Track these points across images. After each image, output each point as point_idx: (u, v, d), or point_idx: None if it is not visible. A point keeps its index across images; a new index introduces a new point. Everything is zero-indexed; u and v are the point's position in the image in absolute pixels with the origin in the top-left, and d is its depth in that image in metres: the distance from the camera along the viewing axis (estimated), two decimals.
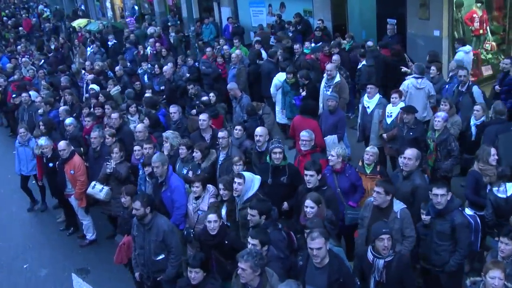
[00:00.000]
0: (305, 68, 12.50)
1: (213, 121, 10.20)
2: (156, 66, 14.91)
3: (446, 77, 11.64)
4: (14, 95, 14.35)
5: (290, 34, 17.37)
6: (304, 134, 8.36)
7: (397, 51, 13.27)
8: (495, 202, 6.96)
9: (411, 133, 8.97)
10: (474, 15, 14.50)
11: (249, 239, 5.85)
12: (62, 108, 12.00)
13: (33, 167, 11.11)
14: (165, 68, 14.01)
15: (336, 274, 5.44)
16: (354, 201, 7.63)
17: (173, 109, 10.59)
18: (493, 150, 7.52)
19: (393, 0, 15.06)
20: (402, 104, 9.81)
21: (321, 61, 13.75)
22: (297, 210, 7.28)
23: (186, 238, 7.52)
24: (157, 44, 17.52)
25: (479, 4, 14.46)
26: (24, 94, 13.20)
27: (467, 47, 12.56)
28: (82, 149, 10.47)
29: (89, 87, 13.94)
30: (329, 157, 7.71)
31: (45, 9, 34.39)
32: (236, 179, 7.07)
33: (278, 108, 12.51)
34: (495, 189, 7.02)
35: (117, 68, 15.36)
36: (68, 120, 10.95)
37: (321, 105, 11.53)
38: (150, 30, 21.49)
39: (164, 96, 13.57)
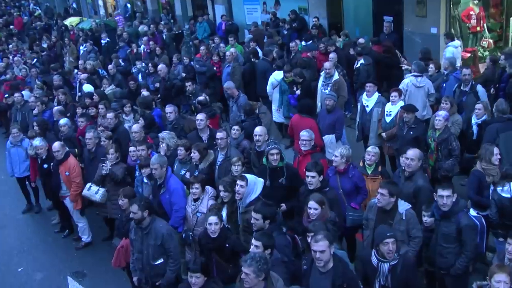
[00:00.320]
0: (301, 67, 12.39)
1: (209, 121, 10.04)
2: (150, 64, 14.74)
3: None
4: (6, 95, 14.12)
5: (285, 32, 17.26)
6: (304, 134, 8.21)
7: (389, 47, 13.25)
8: (499, 202, 6.84)
9: (411, 133, 8.86)
10: (471, 12, 14.41)
11: (253, 241, 5.73)
12: (56, 108, 11.81)
13: (26, 168, 10.92)
14: (160, 66, 13.86)
15: (340, 279, 5.32)
16: (357, 203, 7.51)
17: (169, 109, 10.41)
18: (496, 150, 7.41)
19: None
20: (401, 103, 9.71)
21: (317, 59, 13.64)
22: (299, 211, 7.16)
23: (185, 240, 7.39)
24: (151, 43, 17.32)
25: (476, 1, 14.36)
26: (16, 94, 12.99)
27: (456, 42, 12.56)
28: (76, 150, 10.29)
29: (83, 86, 13.72)
30: (333, 158, 7.57)
31: (35, 7, 34.09)
32: (238, 182, 6.92)
33: (274, 107, 12.37)
34: (499, 189, 6.90)
35: (110, 66, 15.17)
36: (63, 121, 10.76)
37: (319, 103, 11.41)
38: (142, 28, 21.35)
39: (159, 95, 13.41)
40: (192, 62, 15.08)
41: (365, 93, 10.30)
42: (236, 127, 9.32)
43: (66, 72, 16.54)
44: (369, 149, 7.98)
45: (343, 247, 7.25)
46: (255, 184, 7.09)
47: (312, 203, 6.35)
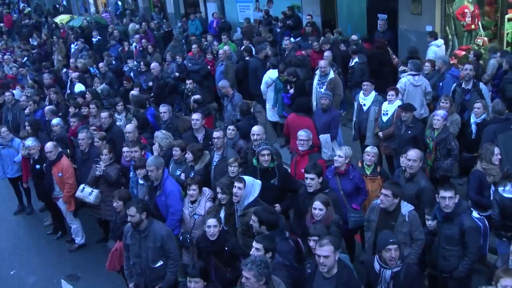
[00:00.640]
0: (295, 65, 12.29)
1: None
2: (142, 63, 14.56)
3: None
4: None
5: (278, 30, 17.13)
6: (302, 134, 8.07)
7: (381, 44, 13.22)
8: (501, 202, 6.76)
9: (409, 132, 8.78)
10: (466, 10, 14.33)
11: (254, 243, 5.62)
12: (47, 108, 11.60)
13: (18, 168, 10.71)
14: (153, 65, 13.70)
15: (344, 286, 5.20)
16: (357, 203, 7.41)
17: (163, 108, 10.24)
18: (496, 149, 7.35)
19: None
20: (398, 102, 9.64)
21: (311, 58, 13.53)
22: (298, 213, 7.03)
23: (182, 243, 7.25)
24: (143, 41, 17.13)
25: None
26: (7, 93, 12.74)
27: (439, 41, 12.57)
28: (68, 150, 10.12)
29: (75, 86, 13.52)
30: (336, 158, 7.43)
31: (24, 5, 33.74)
32: (236, 183, 6.76)
33: (268, 105, 12.24)
34: (500, 189, 6.82)
35: (100, 64, 14.99)
36: (55, 121, 10.56)
37: (314, 102, 11.29)
38: (133, 26, 21.17)
39: (152, 94, 13.24)
40: (184, 61, 14.93)
41: (361, 92, 10.20)
42: (231, 127, 9.18)
43: (55, 70, 16.33)
44: (368, 149, 7.86)
45: (343, 248, 7.12)
46: (253, 186, 6.94)
47: (317, 204, 6.23)
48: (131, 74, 14.86)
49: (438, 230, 6.21)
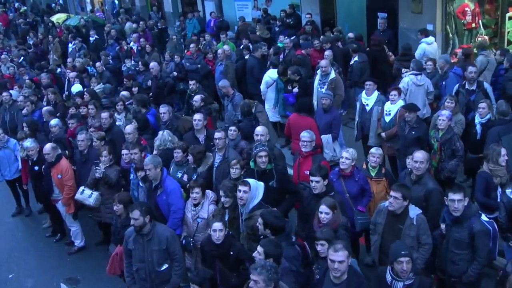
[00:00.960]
0: (296, 64, 12.18)
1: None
2: (140, 62, 14.41)
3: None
4: None
5: (277, 29, 17.01)
6: (305, 135, 7.95)
7: (378, 41, 13.20)
8: (508, 204, 6.64)
9: (413, 132, 8.65)
10: (466, 9, 14.31)
11: (258, 247, 5.51)
12: (45, 108, 11.43)
13: (16, 170, 10.56)
14: (151, 64, 13.55)
15: None
16: (363, 205, 7.30)
17: (163, 109, 10.10)
18: (503, 150, 7.24)
19: None
20: (401, 102, 9.54)
21: (311, 56, 13.41)
22: (303, 216, 6.93)
23: (185, 247, 7.12)
24: (142, 40, 16.97)
25: None
26: (4, 94, 12.56)
27: (430, 39, 12.59)
28: (67, 152, 9.97)
29: (72, 86, 13.36)
30: (342, 160, 7.31)
31: (20, 4, 33.52)
32: (240, 187, 6.63)
33: (268, 106, 12.09)
34: (508, 191, 6.72)
35: (98, 64, 14.83)
36: (53, 121, 10.41)
37: (315, 102, 11.17)
38: (129, 25, 21.02)
39: (151, 94, 13.09)
40: (182, 60, 14.81)
41: (364, 92, 10.08)
42: (233, 128, 9.03)
43: (52, 70, 16.16)
44: (373, 150, 7.73)
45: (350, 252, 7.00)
46: (257, 188, 6.83)
47: (323, 207, 6.11)
48: (129, 73, 14.71)
49: (447, 233, 6.09)
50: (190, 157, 8.08)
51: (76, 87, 13.23)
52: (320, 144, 9.14)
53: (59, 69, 16.60)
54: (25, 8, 32.37)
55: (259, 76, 12.73)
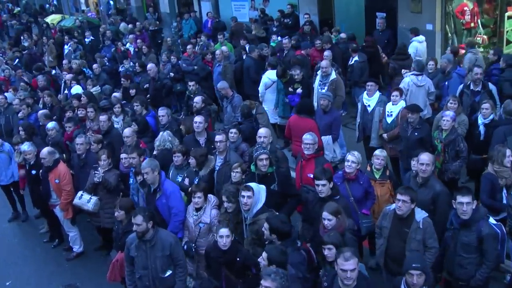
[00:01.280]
0: (296, 64, 12.06)
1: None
2: (137, 64, 14.27)
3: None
4: None
5: (274, 29, 16.89)
6: (307, 137, 7.81)
7: (371, 42, 13.23)
8: None
9: (416, 133, 8.55)
10: (465, 8, 14.24)
11: (263, 252, 5.42)
12: (41, 112, 11.24)
13: (12, 174, 10.39)
14: (149, 66, 13.40)
15: None
16: (367, 209, 7.19)
17: (161, 111, 9.94)
18: (508, 151, 7.13)
19: None
20: (402, 103, 9.45)
21: (311, 56, 13.31)
22: (307, 220, 6.82)
23: (187, 252, 6.98)
24: (139, 41, 16.82)
25: None
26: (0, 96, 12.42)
27: (421, 37, 12.77)
28: (64, 155, 9.81)
29: (72, 88, 13.19)
30: (348, 164, 7.18)
31: (13, 5, 33.30)
32: (244, 192, 6.49)
33: (266, 107, 11.93)
34: None
35: (95, 65, 14.66)
36: (50, 124, 10.27)
37: (315, 103, 11.05)
38: (123, 26, 20.87)
39: (149, 96, 12.94)
40: (179, 61, 14.68)
41: (365, 92, 9.98)
42: (234, 130, 8.88)
43: (48, 72, 15.99)
44: (377, 152, 7.62)
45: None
46: (259, 192, 6.70)
47: (325, 214, 5.99)
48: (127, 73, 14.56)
49: (454, 237, 5.98)
50: (192, 161, 7.92)
51: (76, 89, 13.04)
52: (321, 145, 9.02)
53: (54, 71, 16.42)
54: (19, 9, 32.13)
55: (255, 77, 12.62)
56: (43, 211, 9.92)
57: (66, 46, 18.73)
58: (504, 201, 7.04)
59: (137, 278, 6.43)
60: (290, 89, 11.15)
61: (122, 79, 12.94)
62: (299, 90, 10.96)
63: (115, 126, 10.47)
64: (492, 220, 6.08)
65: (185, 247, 7.03)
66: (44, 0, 33.98)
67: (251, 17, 19.44)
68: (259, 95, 12.03)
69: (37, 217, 10.80)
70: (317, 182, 6.49)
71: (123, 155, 8.59)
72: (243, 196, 6.48)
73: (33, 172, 9.27)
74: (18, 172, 10.21)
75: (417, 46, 12.56)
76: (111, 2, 27.59)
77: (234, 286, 5.97)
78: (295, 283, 5.28)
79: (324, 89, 10.83)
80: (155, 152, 8.83)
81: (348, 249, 5.03)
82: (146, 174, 7.35)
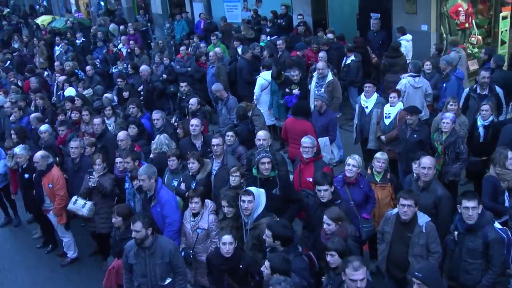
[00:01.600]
0: (289, 66, 11.97)
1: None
2: (130, 65, 14.09)
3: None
4: None
5: (267, 30, 16.77)
6: (306, 141, 7.68)
7: (360, 43, 13.28)
8: None
9: (415, 135, 8.47)
10: (460, 9, 14.21)
11: (266, 261, 5.30)
12: (33, 115, 11.00)
13: (2, 179, 10.19)
14: (142, 68, 13.23)
15: None
16: (367, 213, 7.09)
17: (156, 115, 9.78)
18: (510, 153, 7.05)
19: None
20: (400, 104, 9.37)
21: (307, 57, 13.20)
22: (308, 225, 6.70)
23: (185, 259, 6.83)
24: (131, 42, 16.64)
25: None
26: None
27: (408, 36, 12.84)
28: (57, 159, 9.64)
29: (65, 90, 12.99)
30: (349, 168, 7.07)
31: (2, 7, 32.96)
32: (244, 197, 6.36)
33: (262, 109, 11.79)
34: None
35: (88, 67, 14.46)
36: (43, 127, 10.08)
37: (312, 105, 10.94)
38: (112, 27, 20.66)
39: (142, 98, 12.78)
40: (172, 63, 14.52)
41: (363, 94, 9.90)
42: (230, 133, 8.73)
43: (40, 73, 15.76)
44: (378, 155, 7.50)
45: None
46: (259, 196, 6.58)
47: (325, 218, 5.90)
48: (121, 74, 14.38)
49: (459, 242, 5.88)
50: (192, 165, 7.74)
51: (69, 91, 12.84)
52: (318, 148, 8.91)
53: (46, 73, 16.20)
54: (8, 10, 31.77)
55: (248, 78, 12.51)
56: (36, 216, 9.74)
57: (57, 48, 18.50)
58: (507, 204, 6.95)
59: (136, 286, 6.28)
60: (287, 90, 11.04)
61: (118, 79, 12.73)
62: (296, 91, 10.84)
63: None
64: (497, 224, 5.99)
65: (183, 253, 6.89)
66: (34, 0, 33.65)
67: (243, 18, 19.30)
68: (255, 97, 11.90)
69: (29, 222, 10.61)
70: (318, 187, 6.38)
71: (118, 159, 8.43)
72: (244, 201, 6.36)
73: (26, 176, 9.08)
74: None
75: (406, 44, 12.63)
76: (102, 3, 27.32)
77: None
78: None
79: (320, 91, 10.72)
80: (151, 156, 8.67)
81: (355, 258, 4.93)
82: (142, 181, 7.20)
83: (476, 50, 14.51)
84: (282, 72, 11.52)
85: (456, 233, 5.98)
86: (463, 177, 9.23)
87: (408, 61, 11.84)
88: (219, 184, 7.77)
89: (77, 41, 19.16)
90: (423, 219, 6.02)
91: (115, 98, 12.38)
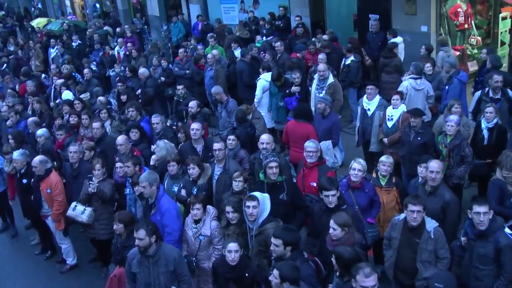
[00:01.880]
0: (289, 68, 11.86)
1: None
2: (127, 68, 13.94)
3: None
4: None
5: (265, 32, 16.67)
6: (310, 145, 7.56)
7: (355, 43, 13.13)
8: None
9: (419, 138, 8.37)
10: (459, 9, 14.15)
11: (274, 270, 5.16)
12: (30, 119, 10.86)
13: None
14: (141, 71, 13.08)
15: None
16: (372, 217, 6.98)
17: (155, 119, 9.64)
18: None
19: None
20: (403, 106, 9.28)
21: (306, 60, 13.10)
22: (314, 232, 6.59)
23: (188, 266, 6.68)
24: (129, 44, 16.49)
25: None
26: None
27: (399, 38, 12.75)
28: (55, 163, 9.48)
29: (62, 94, 12.84)
30: (355, 173, 6.94)
31: None
32: (249, 203, 6.23)
33: (263, 112, 11.67)
34: None
35: (85, 71, 14.30)
36: (40, 131, 9.94)
37: (313, 108, 10.84)
38: (108, 29, 20.54)
39: (140, 101, 12.63)
40: (170, 65, 14.38)
41: (365, 96, 9.80)
42: (232, 137, 8.58)
43: (37, 76, 15.61)
44: (383, 159, 7.38)
45: None
46: (264, 201, 6.45)
47: (331, 223, 5.79)
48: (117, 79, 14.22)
49: (470, 248, 5.79)
50: (192, 170, 7.60)
51: (66, 95, 12.68)
52: (320, 152, 8.79)
53: (43, 75, 16.03)
54: (3, 13, 31.56)
55: (248, 80, 12.39)
56: (34, 222, 9.59)
57: (52, 50, 18.33)
58: None
59: None
60: (288, 91, 10.93)
61: (119, 84, 12.57)
62: (295, 88, 10.74)
63: None
64: (508, 230, 5.89)
65: (185, 261, 6.74)
66: (29, 3, 33.45)
67: (241, 19, 19.17)
68: (256, 99, 11.75)
69: (27, 228, 10.41)
70: (326, 193, 6.25)
71: (118, 164, 8.29)
72: (248, 207, 6.23)
73: (24, 181, 8.91)
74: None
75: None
76: (97, 5, 27.16)
77: None
78: None
79: (321, 93, 10.62)
80: (153, 163, 8.48)
81: (366, 265, 4.82)
82: (144, 188, 7.05)
83: (475, 51, 14.46)
84: (282, 74, 11.41)
85: (463, 239, 5.89)
86: (466, 179, 9.15)
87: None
88: (221, 189, 7.64)
89: (73, 43, 19.00)
90: (431, 224, 5.91)
91: (114, 102, 12.23)
